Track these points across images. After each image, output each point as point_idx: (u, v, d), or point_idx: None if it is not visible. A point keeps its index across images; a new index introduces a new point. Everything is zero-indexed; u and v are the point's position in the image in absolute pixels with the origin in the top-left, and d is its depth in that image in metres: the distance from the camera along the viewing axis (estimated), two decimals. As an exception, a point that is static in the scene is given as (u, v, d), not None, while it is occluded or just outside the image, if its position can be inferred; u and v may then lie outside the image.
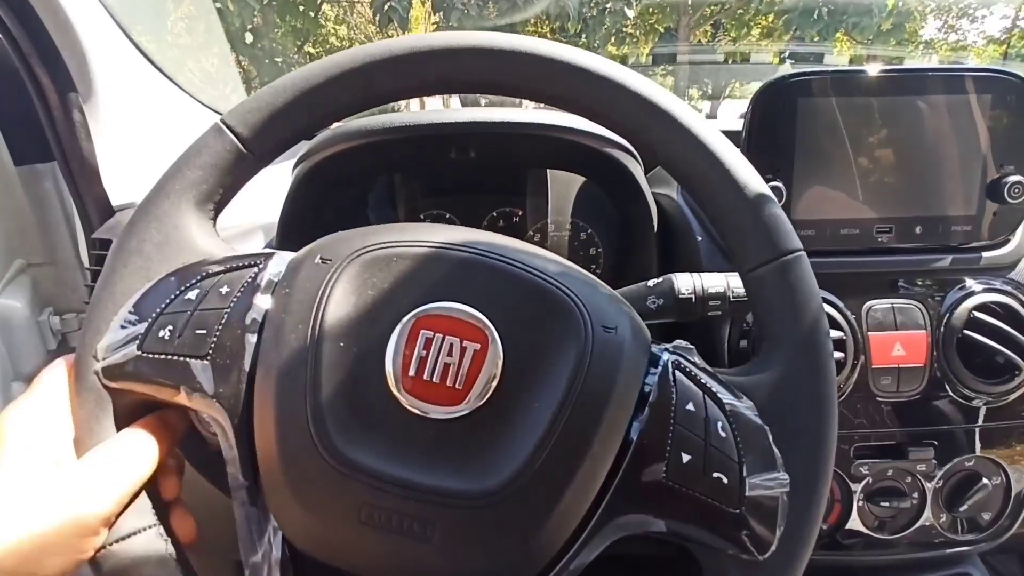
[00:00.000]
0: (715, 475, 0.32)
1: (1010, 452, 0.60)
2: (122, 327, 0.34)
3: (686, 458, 0.32)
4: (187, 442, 0.38)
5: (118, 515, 0.32)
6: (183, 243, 0.36)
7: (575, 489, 0.31)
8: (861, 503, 0.60)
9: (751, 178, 0.36)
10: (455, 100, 1.32)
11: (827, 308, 0.57)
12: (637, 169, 0.64)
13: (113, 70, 0.69)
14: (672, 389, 0.33)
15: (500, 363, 0.32)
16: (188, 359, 0.32)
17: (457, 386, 0.31)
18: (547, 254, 0.36)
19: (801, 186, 0.58)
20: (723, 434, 0.33)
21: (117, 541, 0.32)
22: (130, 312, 0.34)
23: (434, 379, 0.31)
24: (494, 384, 0.31)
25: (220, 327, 0.33)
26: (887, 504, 0.59)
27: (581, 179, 0.69)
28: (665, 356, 0.34)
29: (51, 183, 0.73)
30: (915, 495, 0.60)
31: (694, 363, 0.35)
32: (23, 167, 0.70)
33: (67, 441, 0.33)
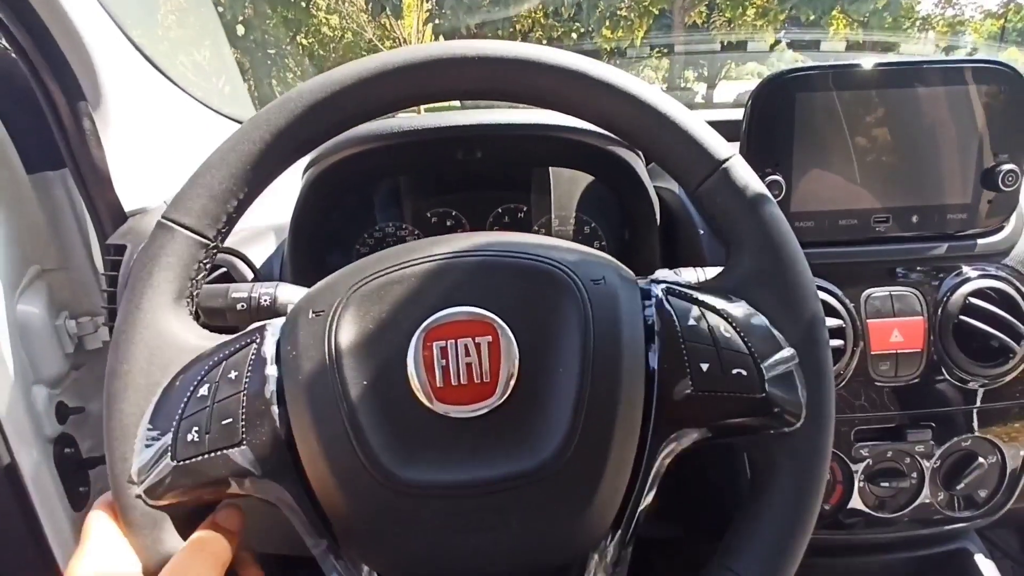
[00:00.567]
0: (735, 371, 0.34)
1: (1005, 431, 0.62)
2: (147, 445, 0.33)
3: (705, 366, 0.34)
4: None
5: None
6: (172, 347, 0.36)
7: (620, 430, 0.33)
8: (862, 484, 0.62)
9: (672, 106, 0.38)
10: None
11: (827, 297, 0.58)
12: (639, 164, 0.65)
13: (120, 77, 0.69)
14: (672, 313, 0.35)
15: (515, 346, 0.33)
16: (225, 451, 0.33)
17: (484, 380, 0.33)
18: (517, 236, 0.38)
19: (800, 179, 0.59)
20: (728, 335, 0.35)
21: None
22: (149, 429, 0.34)
23: (461, 381, 0.33)
24: (516, 366, 0.33)
25: (244, 410, 0.33)
26: (887, 484, 0.61)
27: (585, 175, 0.71)
28: (655, 288, 0.37)
29: (62, 190, 0.74)
30: (914, 475, 0.62)
31: (682, 285, 0.38)
32: (35, 175, 0.71)
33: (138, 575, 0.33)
